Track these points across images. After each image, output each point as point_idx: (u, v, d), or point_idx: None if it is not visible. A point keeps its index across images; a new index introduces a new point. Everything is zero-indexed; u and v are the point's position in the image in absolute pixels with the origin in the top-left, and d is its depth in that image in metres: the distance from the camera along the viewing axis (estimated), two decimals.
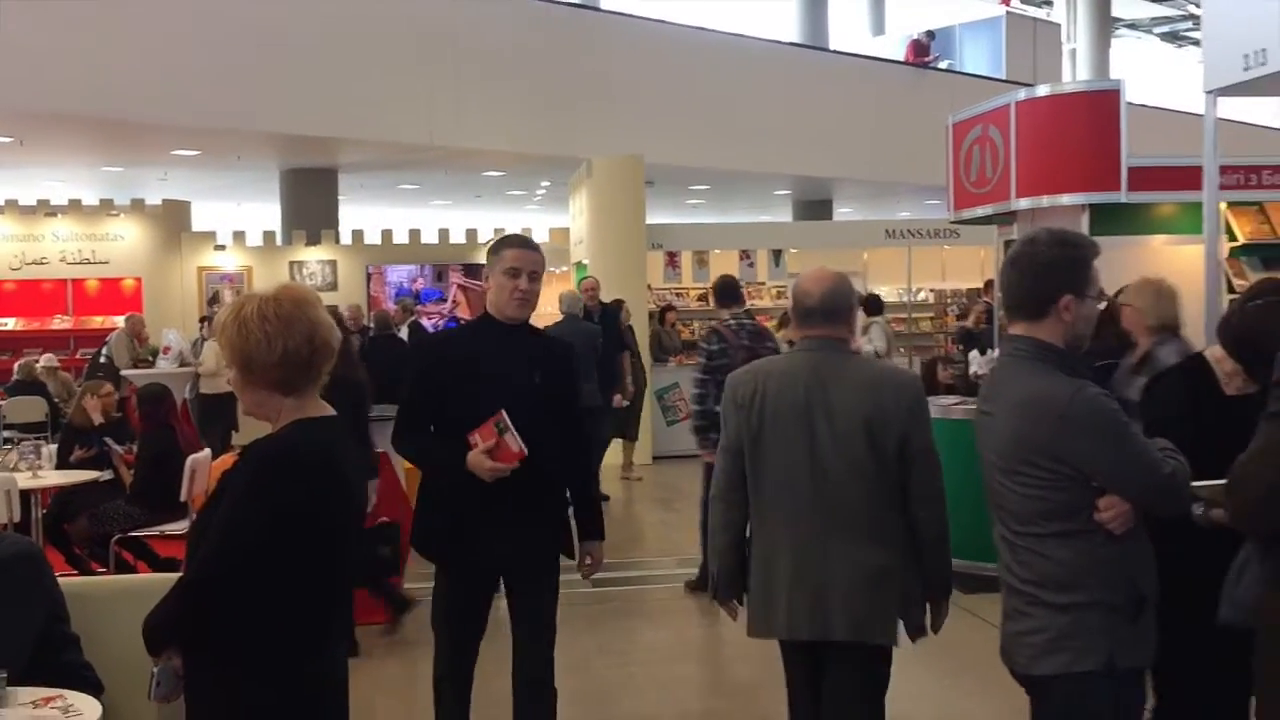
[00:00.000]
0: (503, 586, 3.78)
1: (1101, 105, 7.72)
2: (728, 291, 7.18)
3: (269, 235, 15.48)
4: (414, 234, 15.62)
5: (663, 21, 15.24)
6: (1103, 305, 3.12)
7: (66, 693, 2.88)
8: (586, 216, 12.84)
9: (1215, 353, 3.25)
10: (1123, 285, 5.01)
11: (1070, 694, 2.72)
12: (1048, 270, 2.76)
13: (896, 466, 3.23)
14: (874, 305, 11.66)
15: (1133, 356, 4.79)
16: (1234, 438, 2.72)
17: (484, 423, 3.47)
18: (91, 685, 3.15)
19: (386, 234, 15.59)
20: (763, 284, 13.82)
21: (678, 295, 13.81)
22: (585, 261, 12.97)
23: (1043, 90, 8.48)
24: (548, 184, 16.47)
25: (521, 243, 3.72)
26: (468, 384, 3.59)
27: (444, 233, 15.79)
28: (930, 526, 3.24)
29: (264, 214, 16.77)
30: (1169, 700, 3.25)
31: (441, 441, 3.65)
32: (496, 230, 15.95)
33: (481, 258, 15.52)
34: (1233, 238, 7.63)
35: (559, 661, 3.81)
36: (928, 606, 3.36)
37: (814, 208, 19.75)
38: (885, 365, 4.11)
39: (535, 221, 17.69)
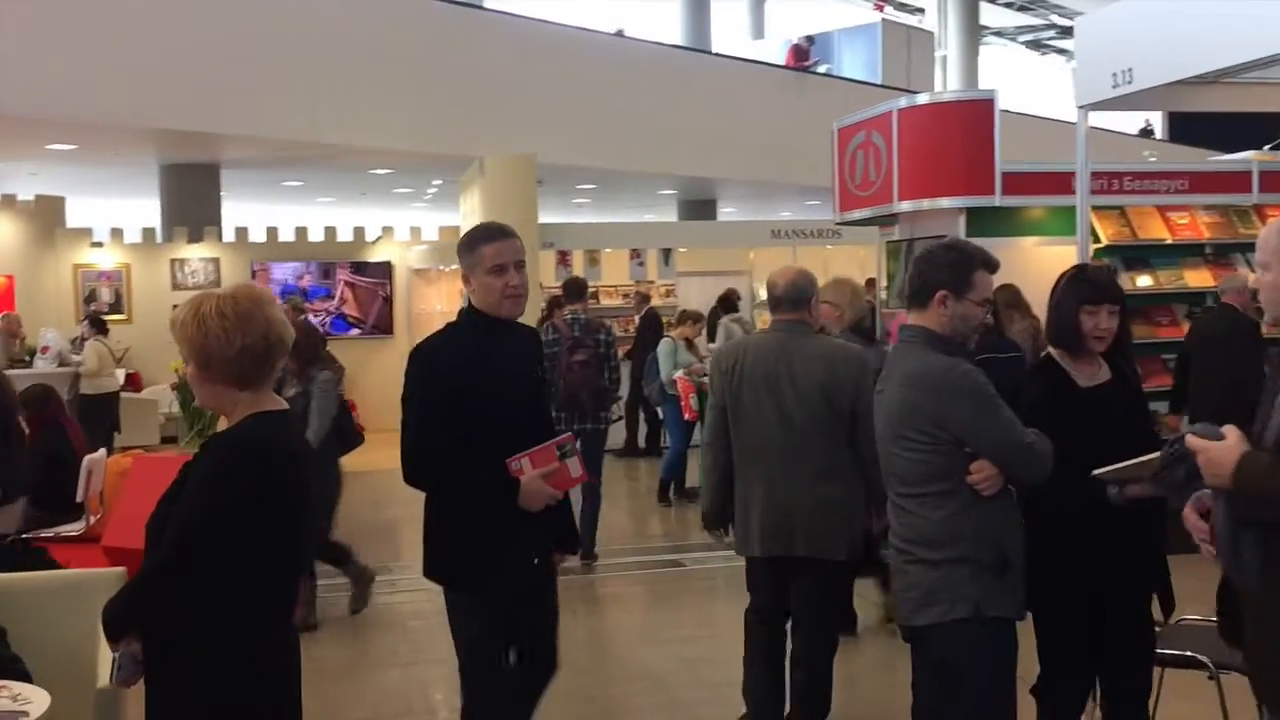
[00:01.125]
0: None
1: (977, 114, 8.15)
2: (573, 290, 8.39)
3: (149, 232, 15.12)
4: (300, 231, 15.44)
5: (547, 22, 15.34)
6: (988, 317, 3.46)
7: (10, 683, 2.92)
8: (479, 215, 12.90)
9: (1054, 350, 3.59)
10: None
11: (945, 641, 3.13)
12: (932, 269, 3.22)
13: (847, 421, 4.12)
14: (728, 305, 12.06)
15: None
16: (1093, 423, 3.25)
17: (538, 447, 3.27)
18: (22, 677, 3.19)
19: (271, 231, 15.37)
20: (652, 282, 14.06)
21: None
22: None
23: (923, 99, 8.91)
24: (440, 182, 16.44)
25: (499, 233, 3.39)
26: (484, 389, 3.29)
27: (331, 230, 15.65)
28: (871, 458, 3.62)
29: (143, 210, 16.34)
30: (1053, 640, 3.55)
31: (474, 465, 3.32)
32: (385, 228, 15.87)
33: (368, 255, 15.47)
34: (1097, 239, 8.12)
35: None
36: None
37: (698, 207, 20.08)
38: (837, 343, 4.67)
39: (424, 219, 17.61)
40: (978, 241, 3.63)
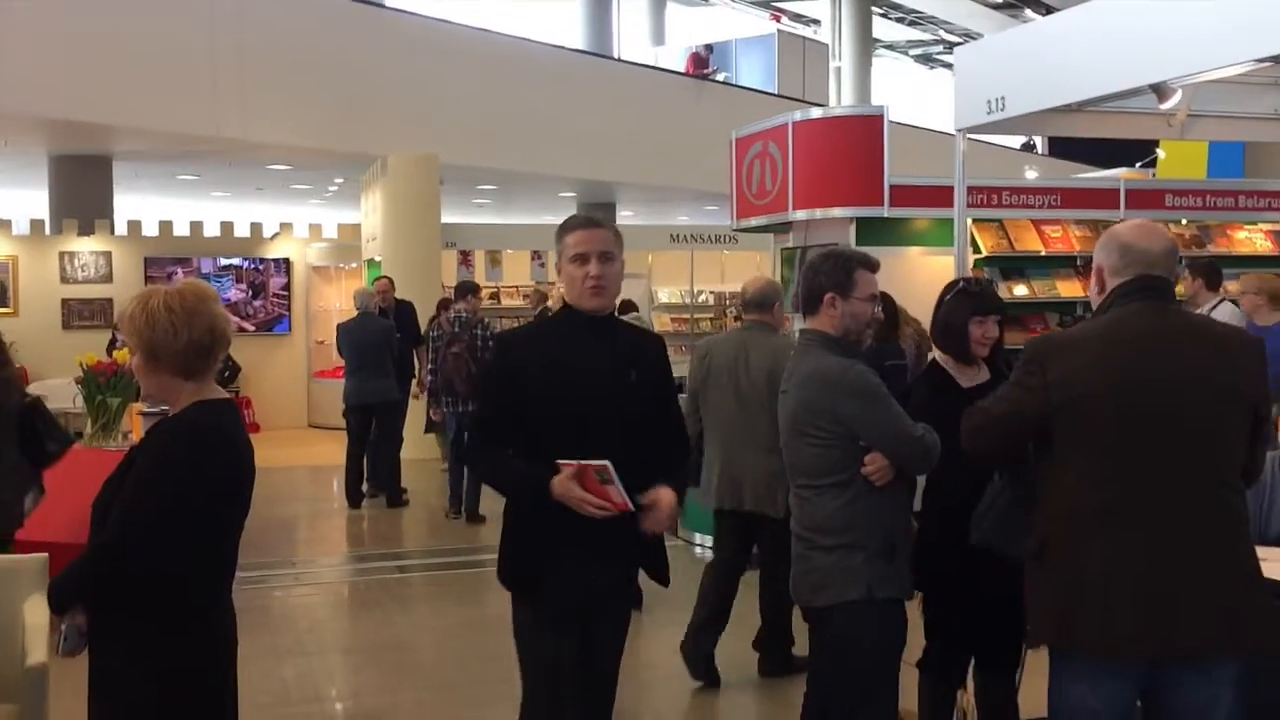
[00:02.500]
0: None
1: (867, 128, 8.55)
2: (460, 291, 9.54)
3: (37, 224, 14.79)
4: (195, 226, 15.26)
5: (448, 22, 15.39)
6: (878, 313, 3.76)
7: None
8: (381, 214, 12.96)
9: (939, 355, 3.96)
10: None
11: (841, 620, 3.42)
12: (817, 275, 3.53)
13: None
14: (624, 307, 12.35)
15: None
16: None
17: (582, 463, 3.01)
18: None
19: (165, 225, 15.16)
20: (552, 283, 14.23)
21: None
22: (378, 259, 13.08)
23: (816, 112, 9.29)
24: (341, 180, 16.38)
25: (584, 222, 3.30)
26: (553, 389, 3.14)
27: (227, 225, 15.49)
28: None
29: (32, 201, 15.94)
30: (939, 618, 3.92)
31: (519, 463, 3.20)
32: (283, 224, 15.78)
33: (268, 251, 15.36)
34: (977, 250, 8.59)
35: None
36: None
37: (598, 210, 20.31)
38: (788, 339, 5.34)
39: (324, 216, 17.52)
40: (867, 250, 3.94)
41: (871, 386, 3.40)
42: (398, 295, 10.76)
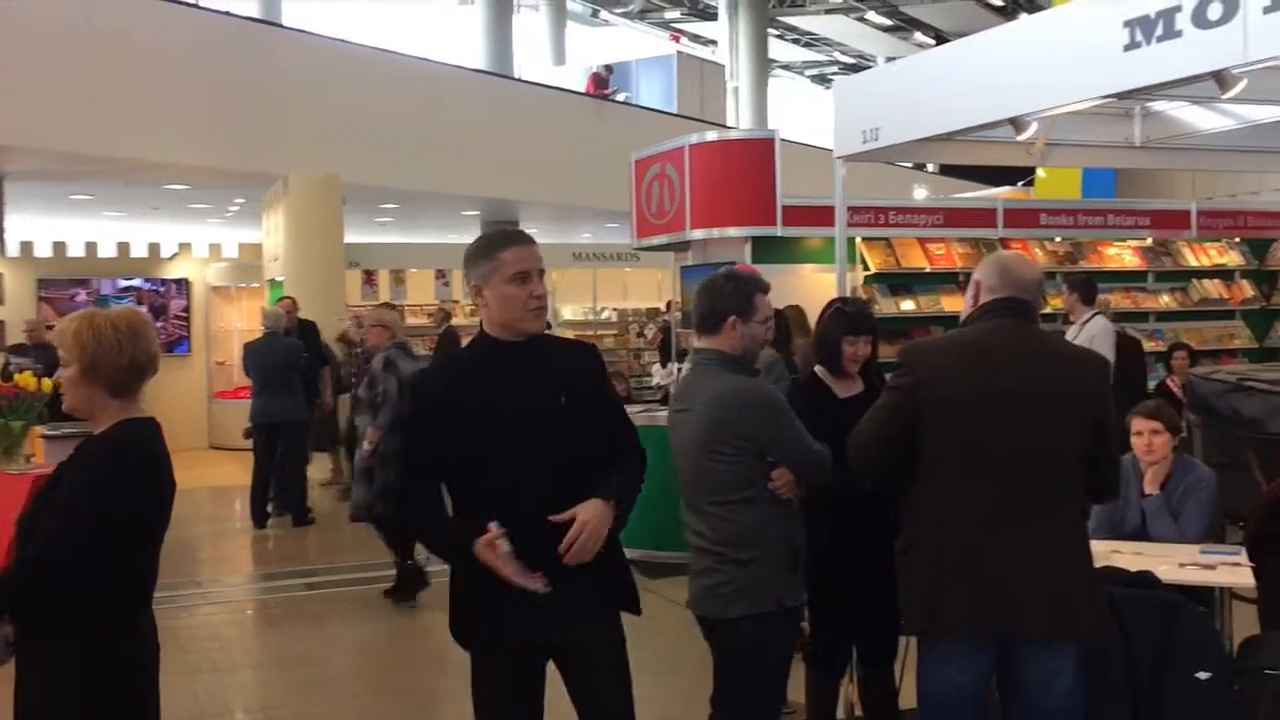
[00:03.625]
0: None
1: (760, 151, 8.90)
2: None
3: None
4: (90, 247, 15.04)
5: (347, 41, 15.42)
6: (770, 335, 4.00)
7: None
8: (283, 234, 12.97)
9: (819, 367, 4.26)
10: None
11: (749, 631, 3.55)
12: (720, 297, 3.67)
13: None
14: None
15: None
16: (849, 427, 3.64)
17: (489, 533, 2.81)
18: None
19: (59, 246, 14.91)
20: (457, 302, 14.37)
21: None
22: (280, 279, 13.08)
23: (712, 135, 9.63)
24: (242, 200, 16.28)
25: (519, 238, 3.02)
26: (478, 424, 2.89)
27: (124, 246, 15.30)
28: None
29: None
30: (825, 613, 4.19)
31: (445, 529, 3.00)
32: (181, 244, 15.62)
33: (166, 272, 15.20)
34: (866, 267, 8.99)
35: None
36: None
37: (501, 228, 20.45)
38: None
39: (223, 236, 17.35)
40: (761, 268, 4.22)
41: (779, 405, 3.61)
42: (301, 315, 10.81)
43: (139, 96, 12.31)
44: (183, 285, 15.18)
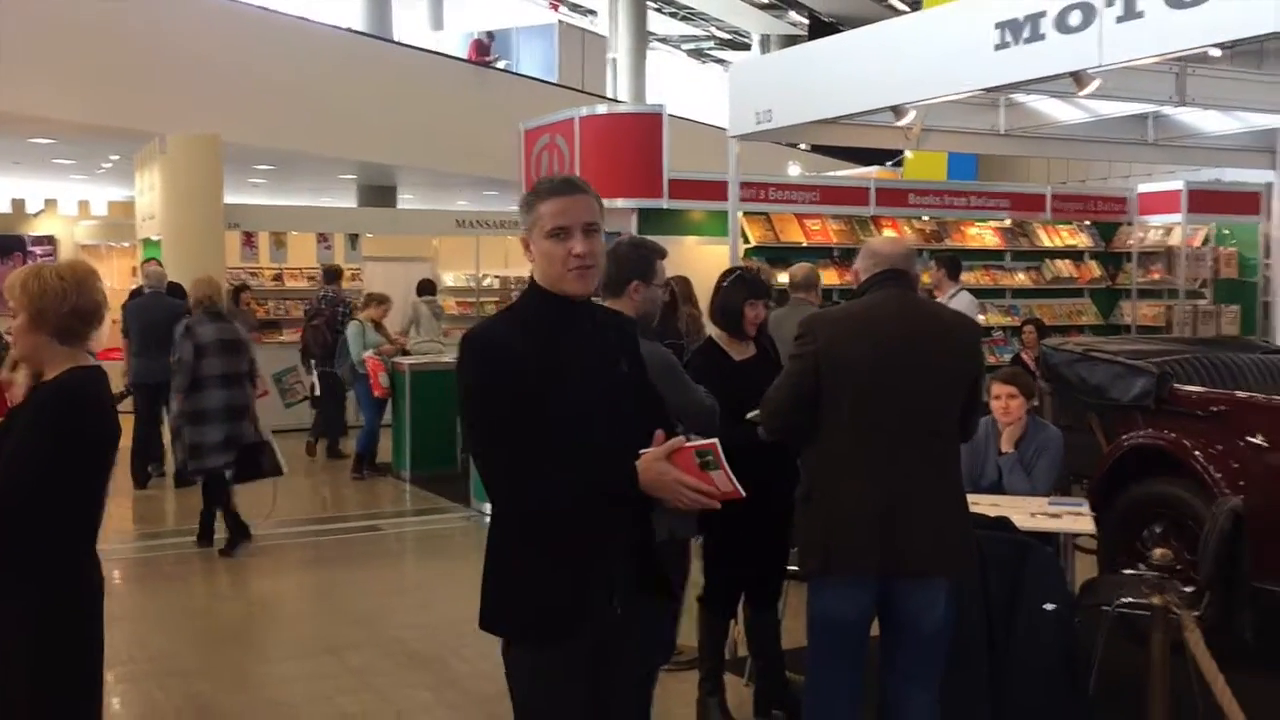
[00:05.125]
0: None
1: (647, 125, 9.22)
2: (328, 275, 11.46)
3: None
4: None
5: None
6: (666, 297, 4.32)
7: None
8: (159, 193, 12.74)
9: (716, 332, 4.61)
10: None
11: None
12: (625, 263, 3.97)
13: None
14: (424, 287, 12.74)
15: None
16: (743, 387, 4.19)
17: (668, 446, 2.46)
18: None
19: None
20: (338, 266, 14.30)
21: (253, 275, 13.98)
22: (156, 238, 12.86)
23: (601, 109, 9.89)
24: (116, 157, 15.85)
25: (562, 187, 2.63)
26: (548, 391, 2.53)
27: None
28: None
29: None
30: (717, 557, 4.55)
31: (585, 465, 2.54)
32: (48, 201, 15.18)
33: (30, 228, 14.78)
34: (747, 240, 9.40)
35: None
36: None
37: (378, 193, 20.29)
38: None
39: (93, 193, 16.86)
40: (648, 238, 4.54)
41: (673, 364, 3.96)
42: (172, 279, 10.71)
43: (8, 49, 11.92)
44: (50, 242, 14.77)
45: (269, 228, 13.90)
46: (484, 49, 20.55)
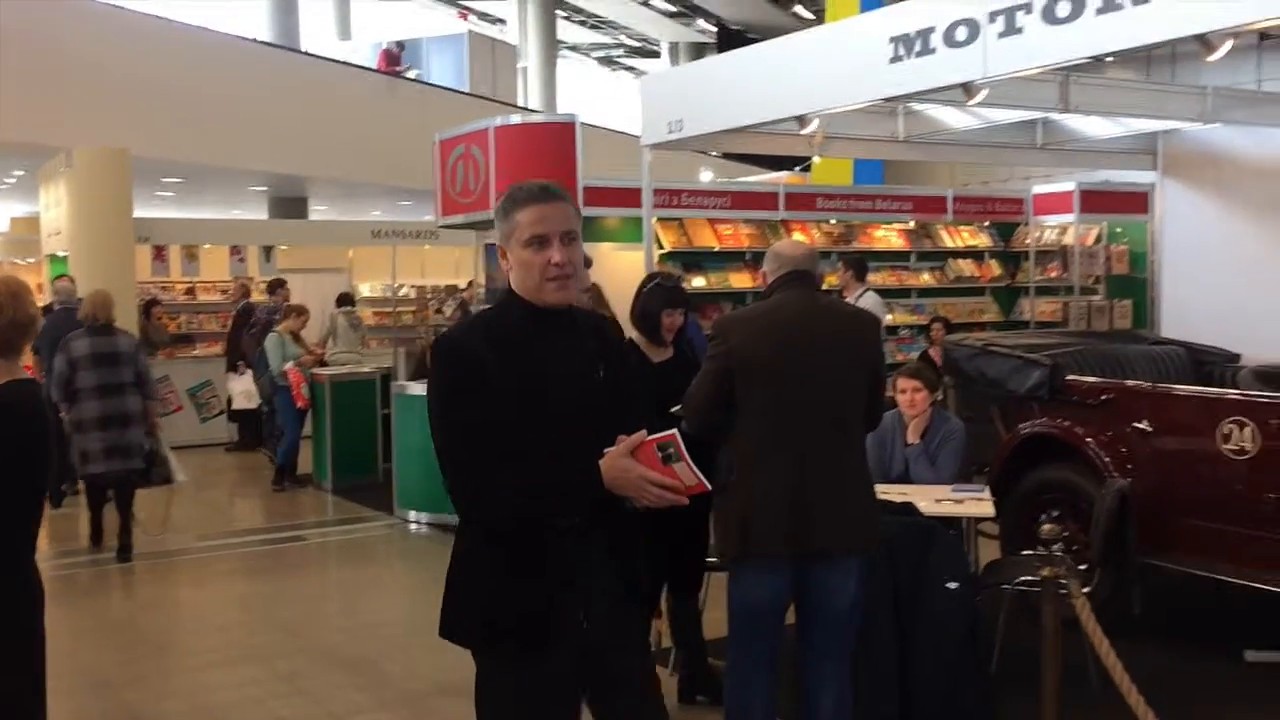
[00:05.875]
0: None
1: (561, 134, 9.37)
2: (272, 287, 11.70)
3: None
4: None
5: (122, 9, 14.89)
6: (590, 302, 4.50)
7: None
8: (66, 208, 12.56)
9: (637, 335, 4.81)
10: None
11: None
12: None
13: None
14: (342, 299, 12.79)
15: None
16: (663, 388, 4.33)
17: (629, 442, 2.46)
18: None
19: None
20: (252, 278, 14.23)
21: (164, 290, 13.84)
22: (63, 254, 12.68)
23: (515, 118, 10.05)
24: (21, 172, 15.52)
25: (538, 194, 2.59)
26: (519, 395, 2.50)
27: None
28: None
29: None
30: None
31: (538, 481, 2.50)
32: None
33: None
34: (661, 246, 9.61)
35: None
36: None
37: (290, 204, 20.10)
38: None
39: None
40: None
41: None
42: (83, 294, 10.59)
43: None
44: None
45: (180, 241, 13.78)
46: (394, 59, 20.54)
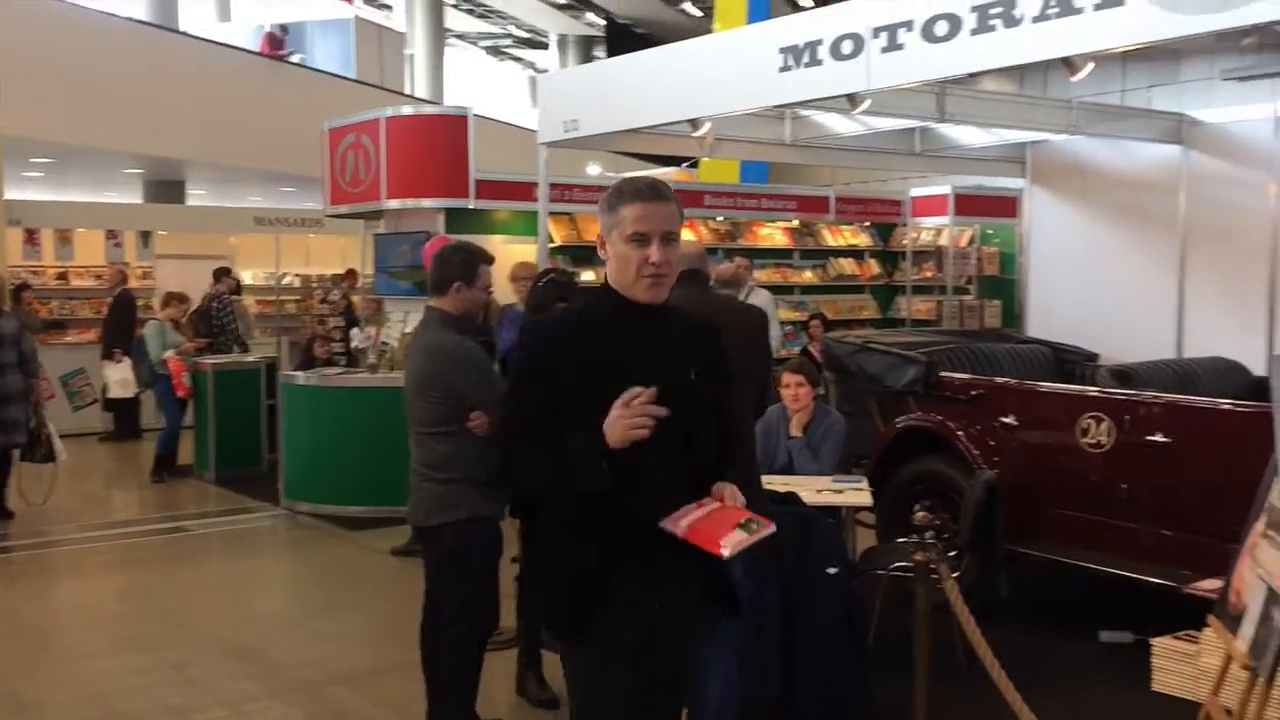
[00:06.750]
0: None
1: (453, 127, 9.44)
2: (219, 274, 11.92)
3: None
4: None
5: None
6: (488, 299, 4.60)
7: None
8: None
9: None
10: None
11: (451, 535, 4.22)
12: (449, 266, 4.28)
13: None
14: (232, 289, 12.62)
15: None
16: None
17: (717, 508, 2.51)
18: None
19: None
20: (127, 264, 13.86)
21: (35, 274, 13.40)
22: None
23: (407, 109, 10.04)
24: None
25: (647, 192, 2.57)
26: (603, 389, 2.47)
27: None
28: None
29: None
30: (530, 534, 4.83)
31: (558, 450, 2.51)
32: None
33: None
34: (552, 240, 9.72)
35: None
36: None
37: (166, 188, 19.54)
38: None
39: None
40: (454, 238, 4.82)
41: (477, 360, 4.22)
42: None
43: None
44: None
45: (54, 224, 13.36)
46: (277, 42, 20.14)
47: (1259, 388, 6.14)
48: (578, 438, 2.46)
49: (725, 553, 2.40)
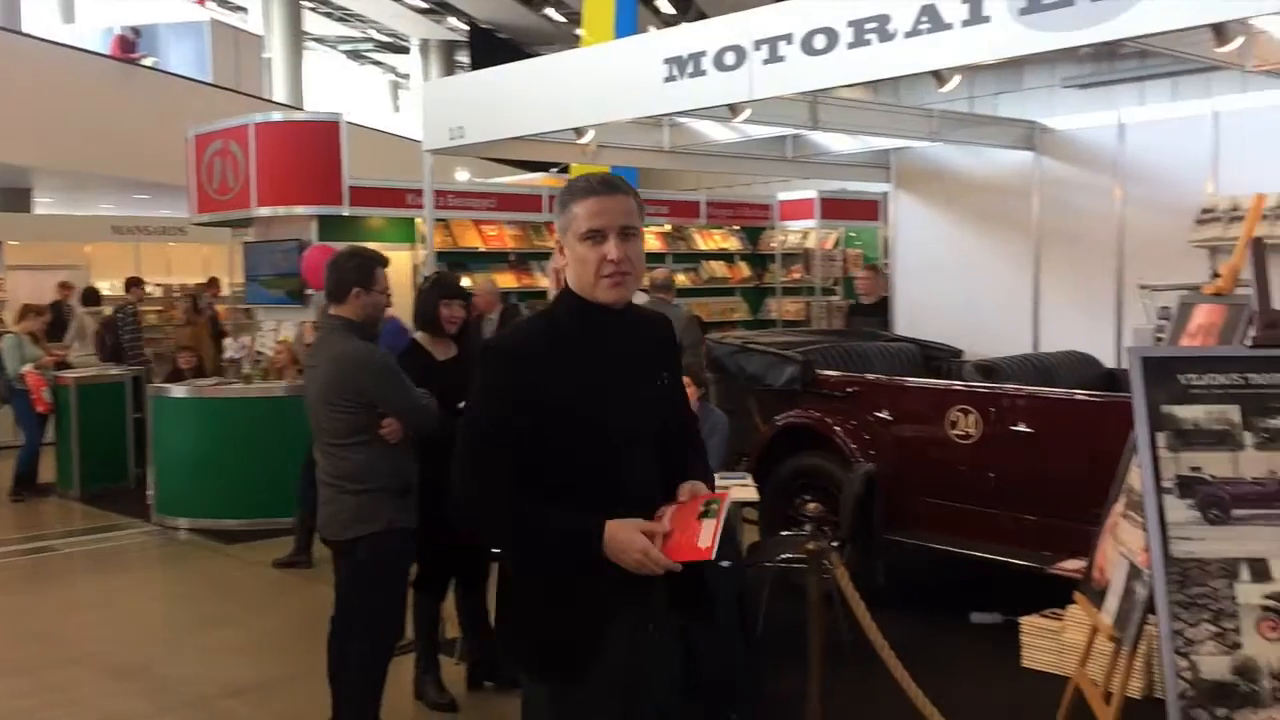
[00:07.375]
0: None
1: (326, 133, 9.34)
2: (130, 283, 11.91)
3: None
4: None
5: None
6: (388, 303, 4.58)
7: None
8: None
9: (421, 335, 4.95)
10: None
11: (367, 548, 4.19)
12: (344, 272, 4.25)
13: None
14: (89, 297, 12.22)
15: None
16: (449, 386, 4.39)
17: (680, 501, 2.38)
18: None
19: None
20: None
21: None
22: None
23: (277, 115, 9.92)
24: None
25: (597, 187, 2.39)
26: (578, 403, 2.35)
27: None
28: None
29: None
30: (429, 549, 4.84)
31: (551, 509, 2.34)
32: None
33: None
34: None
35: None
36: None
37: (11, 196, 18.71)
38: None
39: None
40: (335, 245, 4.82)
41: (389, 367, 4.22)
42: None
43: None
44: None
45: None
46: (129, 45, 19.46)
47: (1110, 378, 6.57)
48: (574, 528, 2.29)
49: (713, 551, 2.28)
